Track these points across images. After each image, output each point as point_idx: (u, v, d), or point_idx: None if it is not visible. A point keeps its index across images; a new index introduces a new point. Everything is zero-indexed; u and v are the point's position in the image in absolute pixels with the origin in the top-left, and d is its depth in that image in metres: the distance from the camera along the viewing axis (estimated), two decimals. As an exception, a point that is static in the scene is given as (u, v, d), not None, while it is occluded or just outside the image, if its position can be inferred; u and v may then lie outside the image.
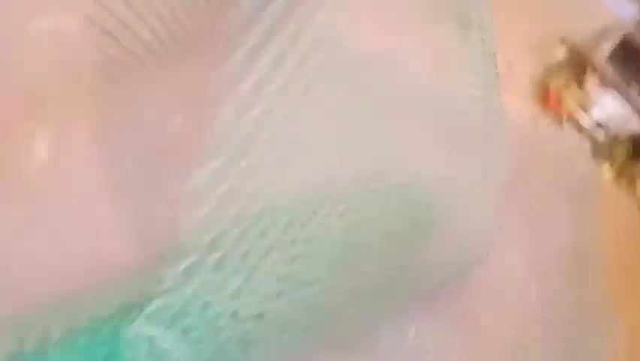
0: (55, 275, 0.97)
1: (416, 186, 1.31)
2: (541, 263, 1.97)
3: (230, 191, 0.84)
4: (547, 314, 1.83)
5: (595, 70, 2.49)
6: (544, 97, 2.47)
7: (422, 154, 1.30)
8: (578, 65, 2.55)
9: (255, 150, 0.96)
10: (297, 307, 1.03)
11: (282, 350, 1.02)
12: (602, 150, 2.42)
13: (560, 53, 2.66)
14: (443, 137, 1.38)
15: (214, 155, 0.81)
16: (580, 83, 2.50)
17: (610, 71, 2.47)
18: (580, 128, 2.45)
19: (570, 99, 2.48)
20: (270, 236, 0.99)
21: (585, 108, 2.47)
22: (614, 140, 2.43)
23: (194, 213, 0.79)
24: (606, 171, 2.40)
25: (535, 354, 1.75)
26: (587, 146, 2.43)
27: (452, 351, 1.63)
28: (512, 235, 1.98)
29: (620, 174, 2.41)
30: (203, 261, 0.82)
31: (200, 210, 0.79)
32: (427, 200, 1.30)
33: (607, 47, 2.51)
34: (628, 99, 2.43)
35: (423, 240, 1.29)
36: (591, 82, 2.48)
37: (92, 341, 0.89)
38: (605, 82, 2.47)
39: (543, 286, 1.91)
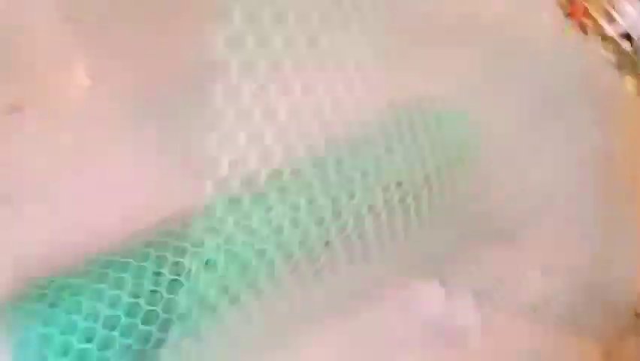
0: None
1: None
2: (569, 171, 2.08)
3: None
4: (578, 215, 1.96)
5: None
6: (572, 8, 2.50)
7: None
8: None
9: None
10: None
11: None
12: (626, 61, 2.47)
13: (584, -37, 2.67)
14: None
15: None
16: (605, -8, 2.52)
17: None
18: (605, 38, 2.48)
19: (594, 9, 2.51)
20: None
21: (610, 18, 2.50)
22: (637, 51, 2.47)
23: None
24: (629, 83, 2.46)
25: (566, 254, 1.89)
26: (611, 57, 2.47)
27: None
28: (542, 145, 2.08)
29: (643, 80, 2.47)
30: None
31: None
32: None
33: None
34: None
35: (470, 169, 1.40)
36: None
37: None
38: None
39: (572, 192, 2.03)
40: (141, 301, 1.01)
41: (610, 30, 2.48)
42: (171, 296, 1.02)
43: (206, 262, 0.94)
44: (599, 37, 2.50)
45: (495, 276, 1.69)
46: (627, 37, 2.46)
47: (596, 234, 1.92)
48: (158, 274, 1.04)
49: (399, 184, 1.25)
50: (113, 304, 0.99)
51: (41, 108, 1.09)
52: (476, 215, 1.53)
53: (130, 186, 1.12)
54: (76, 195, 1.05)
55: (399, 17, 1.35)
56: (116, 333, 0.97)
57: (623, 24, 2.48)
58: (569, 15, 2.49)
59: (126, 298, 1.00)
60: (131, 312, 1.00)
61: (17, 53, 1.13)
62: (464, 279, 1.61)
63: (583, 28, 2.50)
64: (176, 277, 1.04)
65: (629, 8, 2.49)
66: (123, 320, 0.98)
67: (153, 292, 1.03)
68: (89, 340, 0.94)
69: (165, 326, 0.98)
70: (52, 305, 0.95)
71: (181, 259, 1.05)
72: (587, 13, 2.50)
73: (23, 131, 1.06)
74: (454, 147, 1.43)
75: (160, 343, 1.00)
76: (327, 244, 1.13)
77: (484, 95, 1.70)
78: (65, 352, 0.92)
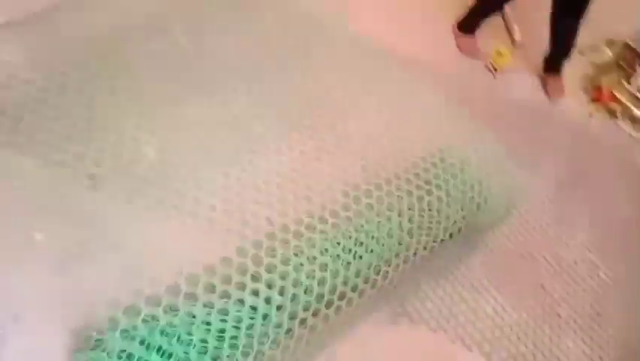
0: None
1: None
2: (606, 244, 2.05)
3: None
4: (617, 290, 1.92)
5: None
6: (597, 94, 2.58)
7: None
8: (626, 63, 2.65)
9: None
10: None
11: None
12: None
13: (607, 54, 2.78)
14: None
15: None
16: (628, 78, 2.60)
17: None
18: (634, 120, 2.53)
19: (622, 94, 2.58)
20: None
21: (637, 102, 2.56)
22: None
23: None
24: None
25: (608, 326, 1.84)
26: (641, 136, 2.52)
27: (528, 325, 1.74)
28: (579, 219, 2.09)
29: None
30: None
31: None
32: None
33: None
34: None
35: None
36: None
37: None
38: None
39: (610, 265, 2.00)
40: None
41: (636, 112, 2.53)
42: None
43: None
44: (629, 120, 2.55)
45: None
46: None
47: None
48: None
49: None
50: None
51: (116, 176, 1.20)
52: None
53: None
54: (142, 247, 1.11)
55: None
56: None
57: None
58: (594, 100, 2.58)
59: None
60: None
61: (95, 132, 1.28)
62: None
63: (612, 112, 2.56)
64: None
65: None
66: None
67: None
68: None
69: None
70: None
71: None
72: (614, 97, 2.57)
73: (102, 194, 1.17)
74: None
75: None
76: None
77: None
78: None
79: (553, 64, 2.51)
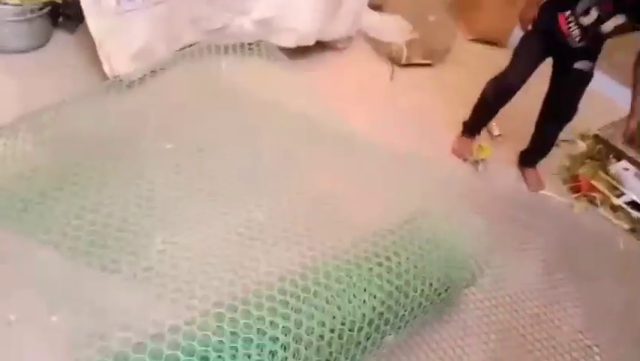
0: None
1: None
2: (599, 328, 2.10)
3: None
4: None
5: (616, 154, 2.74)
6: (577, 185, 2.72)
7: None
8: (599, 154, 2.81)
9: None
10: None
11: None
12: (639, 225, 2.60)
13: (581, 146, 2.95)
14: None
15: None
16: (604, 168, 2.74)
17: (630, 152, 2.72)
18: (614, 208, 2.65)
19: (600, 183, 2.71)
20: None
21: (615, 190, 2.68)
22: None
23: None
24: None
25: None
26: (623, 224, 2.62)
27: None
28: (570, 303, 2.15)
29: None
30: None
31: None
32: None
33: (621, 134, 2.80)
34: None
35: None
36: (615, 166, 2.72)
37: None
38: (628, 163, 2.71)
39: (605, 348, 2.04)
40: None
41: (617, 201, 2.65)
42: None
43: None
44: (609, 208, 2.66)
45: None
46: (635, 205, 2.62)
47: None
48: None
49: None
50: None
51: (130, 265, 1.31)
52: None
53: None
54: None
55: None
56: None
57: (631, 195, 2.65)
58: (574, 191, 2.71)
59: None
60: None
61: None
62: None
63: (592, 201, 2.68)
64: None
65: (634, 181, 2.68)
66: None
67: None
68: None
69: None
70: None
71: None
72: (593, 187, 2.70)
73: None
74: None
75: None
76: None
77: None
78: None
79: (530, 159, 2.69)
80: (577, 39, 2.27)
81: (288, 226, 1.53)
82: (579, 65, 2.36)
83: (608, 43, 2.33)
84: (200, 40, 2.36)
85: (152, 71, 2.07)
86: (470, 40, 3.59)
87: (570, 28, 2.27)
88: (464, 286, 1.83)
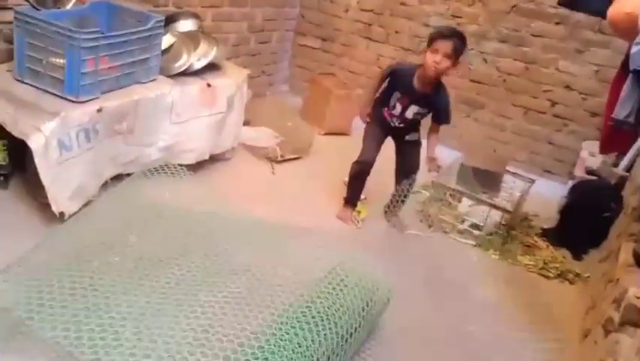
0: None
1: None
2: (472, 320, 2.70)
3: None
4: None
5: (452, 192, 3.52)
6: (430, 222, 3.43)
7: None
8: (439, 194, 3.56)
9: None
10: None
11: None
12: (483, 241, 3.30)
13: (425, 194, 3.66)
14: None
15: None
16: (447, 203, 3.51)
17: (462, 188, 3.47)
18: (460, 231, 3.37)
19: (446, 216, 3.44)
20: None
21: (459, 219, 3.42)
22: (488, 232, 3.35)
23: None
24: (492, 255, 3.23)
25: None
26: (470, 241, 3.31)
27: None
28: (447, 302, 2.75)
29: (503, 251, 3.25)
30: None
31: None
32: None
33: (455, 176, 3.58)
34: (482, 202, 3.38)
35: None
36: (457, 203, 3.50)
37: None
38: (462, 197, 3.48)
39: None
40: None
41: (463, 226, 3.38)
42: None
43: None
44: (457, 232, 3.38)
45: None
46: (476, 226, 3.36)
47: None
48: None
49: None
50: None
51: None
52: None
53: None
54: None
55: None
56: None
57: (470, 220, 3.39)
58: (432, 225, 3.42)
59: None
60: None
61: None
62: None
63: (444, 229, 3.39)
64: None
65: (468, 207, 3.43)
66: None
67: None
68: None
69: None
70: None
71: None
72: (444, 220, 3.42)
73: None
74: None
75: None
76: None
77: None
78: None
79: (393, 210, 3.31)
80: (397, 123, 3.13)
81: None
82: (409, 137, 3.20)
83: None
84: (118, 172, 2.85)
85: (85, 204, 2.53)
86: (323, 134, 4.28)
87: (391, 116, 3.14)
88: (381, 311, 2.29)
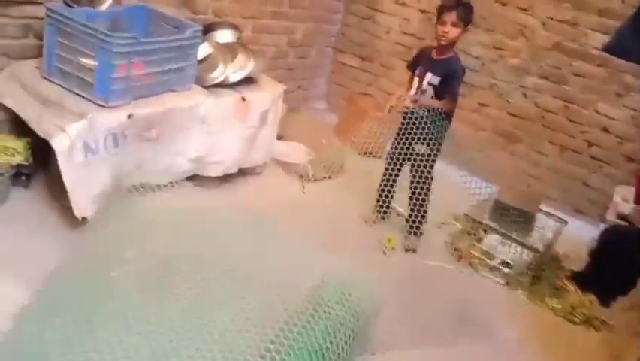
0: None
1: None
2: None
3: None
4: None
5: (484, 228, 3.28)
6: (460, 255, 3.20)
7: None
8: (473, 228, 3.32)
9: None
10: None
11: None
12: (512, 280, 3.08)
13: (457, 226, 3.43)
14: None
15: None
16: (478, 240, 3.26)
17: (495, 224, 3.25)
18: (492, 268, 3.13)
19: (477, 252, 3.20)
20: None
21: (490, 255, 3.18)
22: (518, 272, 3.10)
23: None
24: (521, 294, 3.02)
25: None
26: (499, 280, 3.09)
27: None
28: (478, 348, 2.52)
29: (531, 292, 3.03)
30: None
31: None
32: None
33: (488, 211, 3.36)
34: (514, 241, 3.17)
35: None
36: (485, 237, 3.25)
37: None
38: (494, 233, 3.24)
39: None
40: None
41: (492, 263, 3.14)
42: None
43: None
44: (488, 270, 3.14)
45: None
46: (506, 264, 3.12)
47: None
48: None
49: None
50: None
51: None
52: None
53: None
54: None
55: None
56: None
57: (502, 257, 3.14)
58: (459, 260, 3.19)
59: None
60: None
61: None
62: None
63: (474, 267, 3.16)
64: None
65: (500, 247, 3.19)
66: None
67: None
68: None
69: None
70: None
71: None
72: (472, 256, 3.18)
73: None
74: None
75: None
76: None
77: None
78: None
79: (407, 232, 3.17)
80: (414, 102, 3.07)
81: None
82: (418, 148, 3.08)
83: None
84: (146, 180, 2.65)
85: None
86: (358, 154, 4.05)
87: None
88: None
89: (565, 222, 3.50)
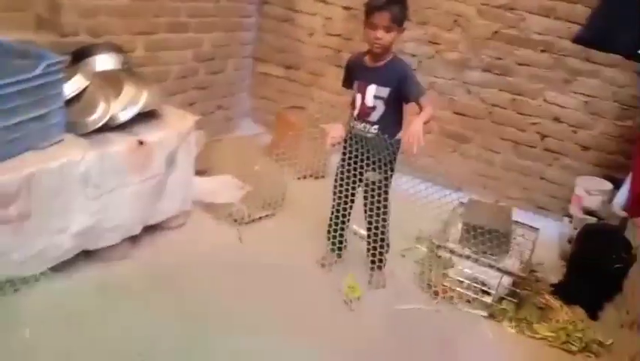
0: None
1: None
2: None
3: None
4: None
5: (456, 254, 2.65)
6: (435, 291, 2.55)
7: None
8: (434, 256, 2.69)
9: None
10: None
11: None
12: (495, 310, 2.48)
13: (422, 250, 2.84)
14: None
15: None
16: (447, 267, 2.62)
17: (463, 249, 2.67)
18: (471, 300, 2.52)
19: (450, 284, 2.56)
20: None
21: (466, 285, 2.55)
22: (500, 300, 2.51)
23: None
24: (508, 327, 2.45)
25: None
26: (481, 311, 2.49)
27: None
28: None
29: (518, 321, 2.47)
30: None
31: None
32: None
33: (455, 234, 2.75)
34: (485, 264, 2.57)
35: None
36: (459, 264, 2.61)
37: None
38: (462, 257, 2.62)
39: None
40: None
41: (469, 294, 2.52)
42: None
43: None
44: (466, 302, 2.52)
45: None
46: (486, 292, 2.51)
47: None
48: None
49: None
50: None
51: None
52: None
53: None
54: None
55: None
56: None
57: (477, 286, 2.53)
58: (435, 293, 2.54)
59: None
60: None
61: None
62: None
63: (450, 299, 2.53)
64: None
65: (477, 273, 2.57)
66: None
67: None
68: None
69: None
70: None
71: None
72: (450, 289, 2.55)
73: None
74: None
75: None
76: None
77: None
78: None
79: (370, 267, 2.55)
80: (360, 123, 2.49)
81: None
82: (369, 175, 2.45)
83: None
84: (11, 274, 1.80)
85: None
86: (297, 178, 3.35)
87: (357, 116, 2.48)
88: None
89: (536, 229, 2.98)
